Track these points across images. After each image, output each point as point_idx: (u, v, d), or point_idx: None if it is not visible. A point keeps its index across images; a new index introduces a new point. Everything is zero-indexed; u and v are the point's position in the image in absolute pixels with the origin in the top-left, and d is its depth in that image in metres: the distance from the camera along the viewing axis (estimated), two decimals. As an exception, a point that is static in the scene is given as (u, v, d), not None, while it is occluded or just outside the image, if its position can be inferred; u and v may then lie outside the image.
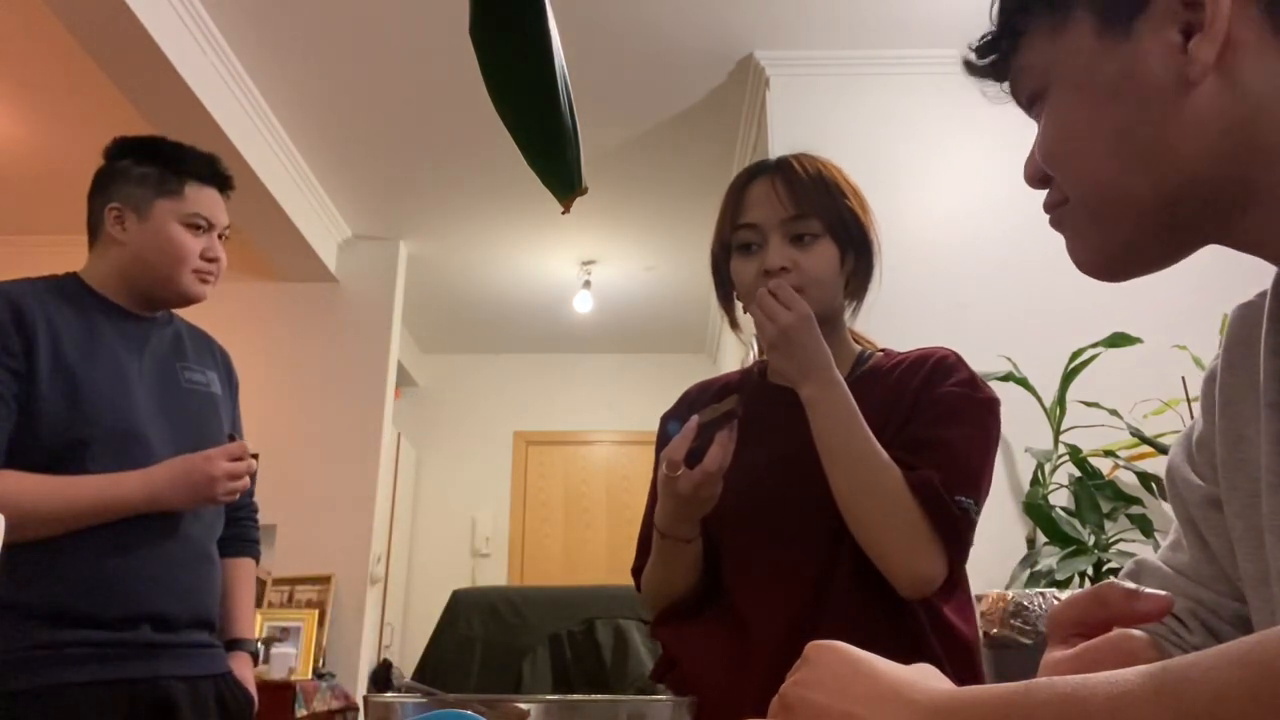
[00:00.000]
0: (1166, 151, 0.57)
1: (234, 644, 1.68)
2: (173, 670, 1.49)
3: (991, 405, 1.13)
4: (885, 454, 1.05)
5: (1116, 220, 0.61)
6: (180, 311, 1.70)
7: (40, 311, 1.45)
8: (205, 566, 1.59)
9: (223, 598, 1.66)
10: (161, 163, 1.61)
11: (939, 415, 1.10)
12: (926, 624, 1.08)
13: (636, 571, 1.25)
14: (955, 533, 1.04)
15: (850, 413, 1.06)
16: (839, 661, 0.49)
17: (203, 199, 1.61)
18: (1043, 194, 0.66)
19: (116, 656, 1.43)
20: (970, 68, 0.68)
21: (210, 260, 1.60)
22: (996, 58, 0.67)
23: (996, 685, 0.43)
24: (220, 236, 1.64)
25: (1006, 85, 0.68)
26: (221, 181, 1.66)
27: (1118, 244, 0.62)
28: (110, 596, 1.43)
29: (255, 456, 1.58)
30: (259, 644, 1.66)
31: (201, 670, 1.55)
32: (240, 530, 1.75)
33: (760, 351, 1.33)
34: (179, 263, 1.57)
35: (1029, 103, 0.66)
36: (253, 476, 1.68)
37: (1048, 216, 0.66)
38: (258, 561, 1.81)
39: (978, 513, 1.07)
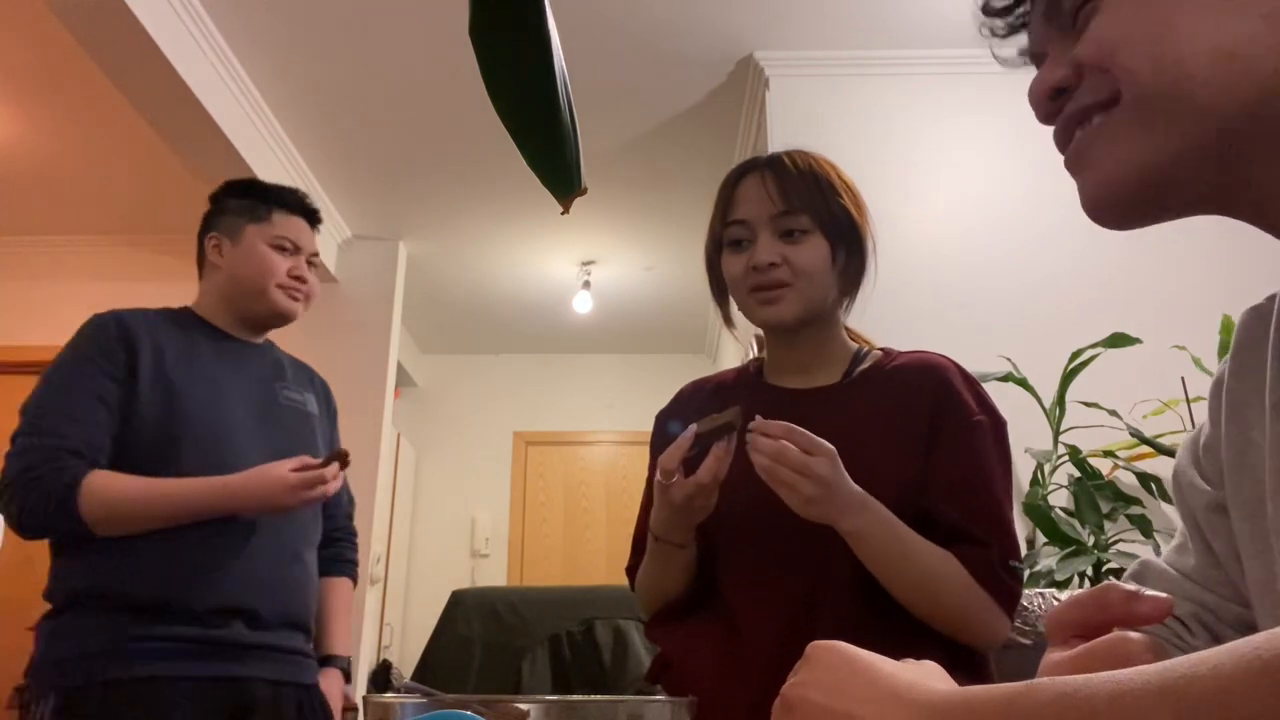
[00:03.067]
0: (1249, 59, 0.51)
1: (326, 660, 1.77)
2: (260, 672, 1.55)
3: (1004, 430, 1.16)
4: (935, 550, 1.05)
5: (1166, 129, 0.53)
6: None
7: (145, 330, 1.62)
8: (296, 567, 1.66)
9: (318, 615, 1.76)
10: (253, 196, 1.78)
11: (966, 456, 1.11)
12: (924, 626, 1.08)
13: (631, 570, 1.25)
14: (1014, 599, 1.08)
15: (895, 529, 1.05)
16: (839, 661, 0.49)
17: (288, 225, 1.77)
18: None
19: (206, 654, 1.50)
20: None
21: (297, 279, 1.75)
22: None
23: (997, 685, 0.42)
24: (310, 264, 1.79)
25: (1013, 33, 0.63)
26: (307, 213, 1.81)
27: (1156, 162, 0.54)
28: (200, 590, 1.50)
29: (345, 456, 1.64)
30: (349, 660, 1.77)
31: (288, 677, 1.61)
32: (337, 551, 1.85)
33: (759, 349, 1.32)
34: (266, 276, 1.72)
35: (1073, 9, 0.58)
36: (351, 500, 1.90)
37: (1070, 136, 0.58)
38: (355, 583, 1.91)
39: (1022, 565, 1.12)
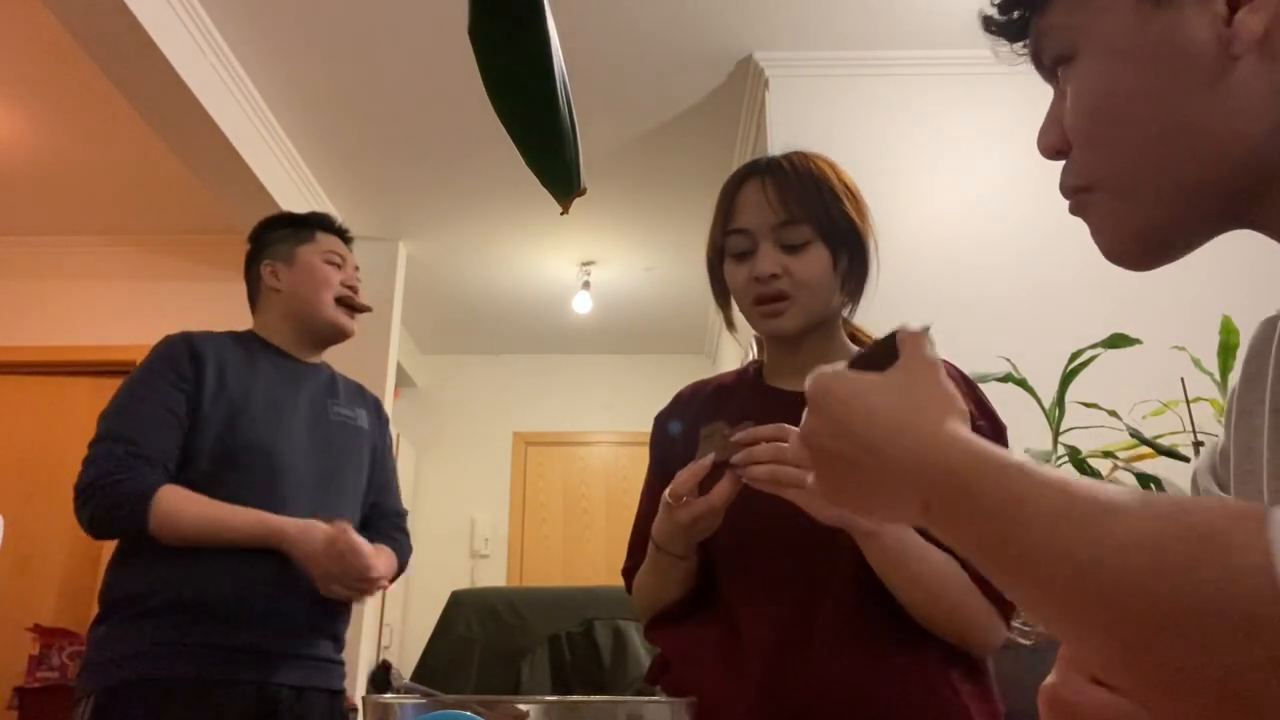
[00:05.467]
0: (1205, 130, 0.54)
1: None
2: (284, 679, 1.63)
3: (1004, 435, 1.16)
4: (939, 552, 1.04)
5: (1151, 202, 0.57)
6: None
7: (212, 349, 1.75)
8: None
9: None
10: (294, 224, 1.94)
11: None
12: (924, 630, 1.07)
13: (628, 572, 1.24)
14: (1012, 605, 1.08)
15: (905, 529, 1.03)
16: (838, 407, 0.57)
17: (331, 241, 1.93)
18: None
19: (233, 659, 1.57)
20: (989, 23, 0.64)
21: (350, 289, 1.89)
22: (1020, 14, 0.62)
23: (994, 475, 0.49)
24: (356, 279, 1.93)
25: (1021, 47, 0.64)
26: (342, 232, 1.98)
27: (1151, 227, 0.58)
28: (236, 595, 1.59)
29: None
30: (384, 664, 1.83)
31: (313, 683, 1.68)
32: (387, 532, 1.93)
33: (758, 351, 1.32)
34: (324, 288, 1.86)
35: (1052, 66, 0.61)
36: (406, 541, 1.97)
37: (1067, 203, 0.62)
38: (401, 562, 1.96)
39: None
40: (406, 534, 2.01)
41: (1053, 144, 0.61)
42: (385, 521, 1.95)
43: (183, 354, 1.72)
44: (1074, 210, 0.62)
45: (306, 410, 1.80)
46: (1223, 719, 0.38)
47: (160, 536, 1.57)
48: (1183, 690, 0.39)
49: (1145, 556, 0.40)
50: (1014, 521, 0.46)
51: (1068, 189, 0.61)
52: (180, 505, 1.59)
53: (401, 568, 1.95)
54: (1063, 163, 0.62)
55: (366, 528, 1.87)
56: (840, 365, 0.62)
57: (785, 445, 0.97)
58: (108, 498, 1.56)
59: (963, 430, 0.54)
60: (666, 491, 1.04)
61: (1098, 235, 0.61)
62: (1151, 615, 0.40)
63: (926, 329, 0.62)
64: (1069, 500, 0.44)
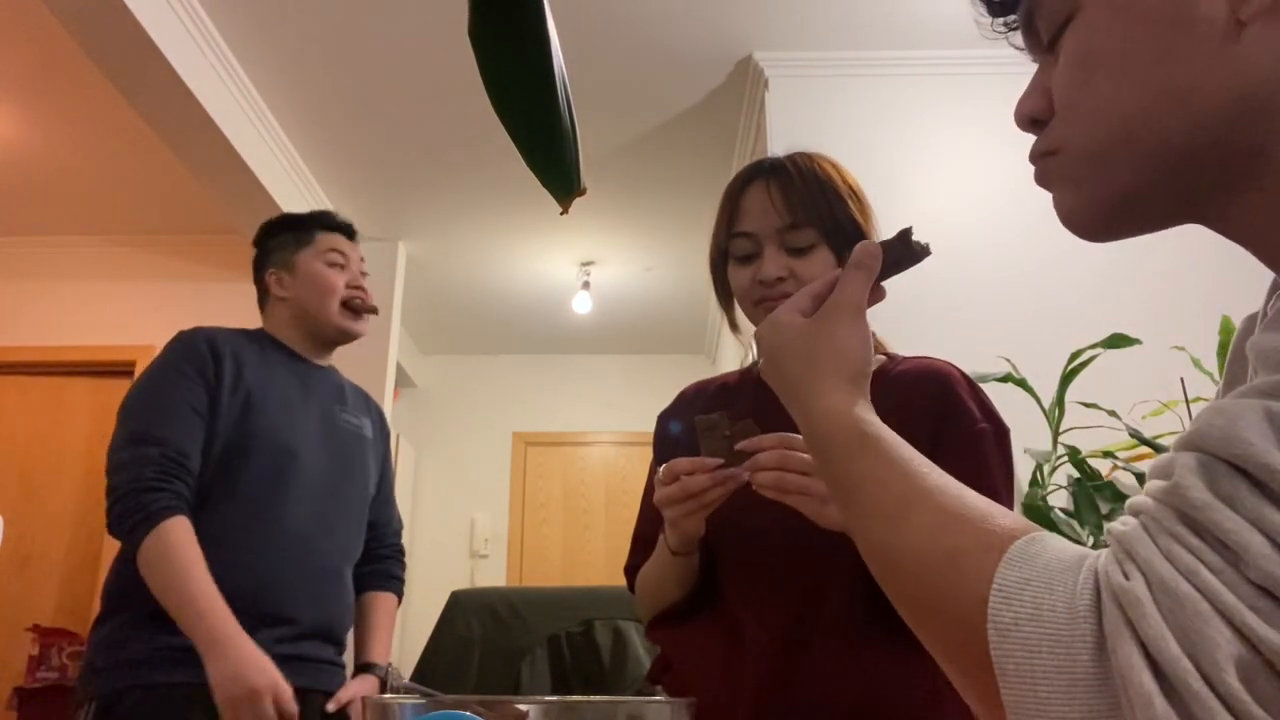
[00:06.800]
0: (1198, 96, 0.51)
1: (365, 667, 1.81)
2: (291, 682, 1.59)
3: (1007, 438, 1.14)
4: None
5: (1123, 165, 0.55)
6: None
7: (229, 346, 1.73)
8: (335, 583, 1.73)
9: (361, 626, 1.84)
10: (292, 226, 1.90)
11: (968, 465, 1.07)
12: None
13: (630, 570, 1.24)
14: None
15: None
16: (765, 351, 0.72)
17: (333, 240, 1.88)
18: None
19: None
20: None
21: (357, 289, 1.86)
22: None
23: (838, 456, 0.64)
24: (362, 274, 1.90)
25: (1001, 24, 0.63)
26: (344, 228, 1.92)
27: (1118, 192, 0.56)
28: (248, 597, 1.56)
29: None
30: (389, 668, 1.83)
31: (315, 685, 1.67)
32: (385, 568, 1.92)
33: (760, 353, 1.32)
34: (328, 294, 1.83)
35: (1050, 32, 0.58)
36: (400, 520, 1.97)
37: (1034, 169, 0.61)
38: (400, 599, 1.95)
39: None
40: (402, 561, 1.98)
41: (1032, 110, 0.60)
42: (386, 550, 1.93)
43: (203, 349, 1.69)
44: (1038, 178, 0.61)
45: (318, 414, 1.79)
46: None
47: (138, 559, 1.51)
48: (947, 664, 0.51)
49: (917, 562, 0.53)
50: (843, 504, 0.62)
51: (1035, 154, 0.60)
52: (167, 550, 1.50)
53: (397, 601, 1.95)
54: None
55: (367, 557, 1.86)
56: (799, 305, 0.75)
57: (790, 453, 0.97)
58: (129, 505, 1.52)
59: (826, 402, 0.66)
60: (661, 469, 1.04)
61: (1062, 201, 0.59)
62: (919, 612, 0.52)
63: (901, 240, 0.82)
64: (881, 492, 0.60)
